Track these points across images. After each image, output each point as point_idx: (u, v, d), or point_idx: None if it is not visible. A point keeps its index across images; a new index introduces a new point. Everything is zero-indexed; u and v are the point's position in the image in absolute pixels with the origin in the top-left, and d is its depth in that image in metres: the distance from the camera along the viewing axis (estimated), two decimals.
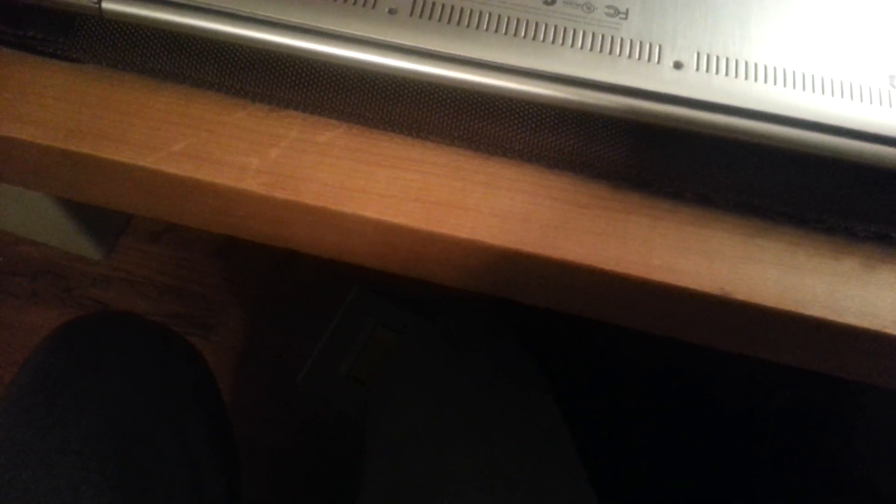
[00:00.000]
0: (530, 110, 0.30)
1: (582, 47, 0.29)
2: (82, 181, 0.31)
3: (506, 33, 0.29)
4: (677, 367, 0.78)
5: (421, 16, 0.29)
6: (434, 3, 0.29)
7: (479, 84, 0.29)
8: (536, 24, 0.29)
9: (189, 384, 0.48)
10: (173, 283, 0.96)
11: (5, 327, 0.93)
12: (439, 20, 0.29)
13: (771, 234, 0.30)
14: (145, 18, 0.29)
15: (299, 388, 0.62)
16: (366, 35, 0.28)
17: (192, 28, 0.29)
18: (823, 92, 0.28)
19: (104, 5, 0.29)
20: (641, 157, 0.30)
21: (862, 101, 0.28)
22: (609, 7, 0.30)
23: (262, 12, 0.29)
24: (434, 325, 0.52)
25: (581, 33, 0.29)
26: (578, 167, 0.30)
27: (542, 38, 0.29)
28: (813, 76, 0.29)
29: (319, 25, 0.29)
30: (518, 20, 0.29)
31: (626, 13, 0.30)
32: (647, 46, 0.29)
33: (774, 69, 0.29)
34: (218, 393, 0.52)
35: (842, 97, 0.28)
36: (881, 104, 0.28)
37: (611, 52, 0.29)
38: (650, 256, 0.29)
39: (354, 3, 0.29)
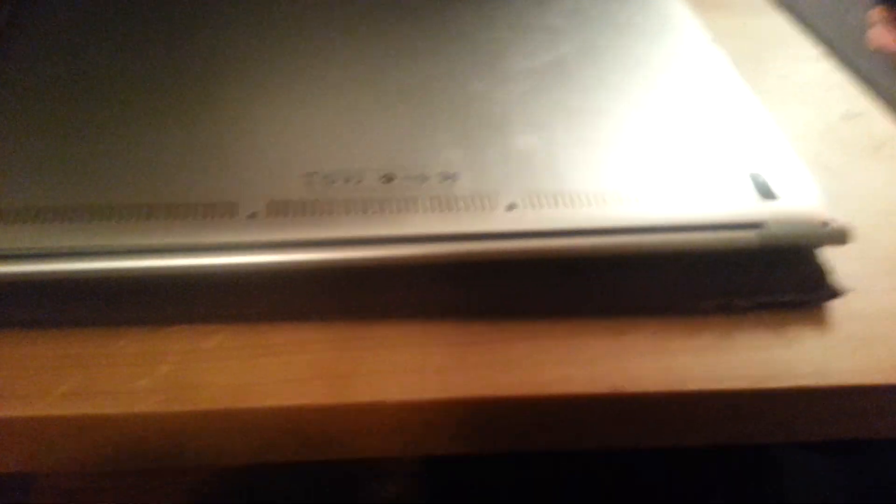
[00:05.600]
0: (396, 272, 0.32)
1: (426, 210, 0.32)
2: None
3: (357, 213, 0.32)
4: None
5: (278, 214, 0.32)
6: (287, 202, 0.32)
7: (343, 259, 0.31)
8: (381, 200, 0.33)
9: None
10: None
11: None
12: (295, 215, 0.32)
13: (637, 326, 0.33)
14: (12, 274, 0.30)
15: None
16: (231, 240, 0.31)
17: (61, 272, 0.30)
18: (633, 202, 0.33)
19: None
20: (505, 290, 0.33)
21: (669, 201, 0.33)
22: (440, 174, 0.34)
23: (130, 241, 0.30)
24: None
25: (421, 198, 0.33)
26: (452, 311, 0.32)
27: (389, 210, 0.32)
28: (619, 193, 0.34)
29: (187, 242, 0.30)
30: (364, 200, 0.32)
31: (455, 176, 0.34)
32: (481, 198, 0.33)
33: (588, 194, 0.34)
34: None
35: (649, 202, 0.33)
36: (682, 201, 0.34)
37: (451, 209, 0.32)
38: (540, 374, 0.31)
39: (214, 217, 0.31)
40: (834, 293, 0.34)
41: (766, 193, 0.34)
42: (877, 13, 0.50)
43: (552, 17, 0.45)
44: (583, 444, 0.33)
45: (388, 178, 0.33)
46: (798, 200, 0.34)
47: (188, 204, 0.32)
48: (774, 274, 0.34)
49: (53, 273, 0.30)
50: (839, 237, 0.33)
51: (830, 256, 0.35)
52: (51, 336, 0.31)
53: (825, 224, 0.34)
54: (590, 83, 0.40)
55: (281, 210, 0.32)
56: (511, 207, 0.33)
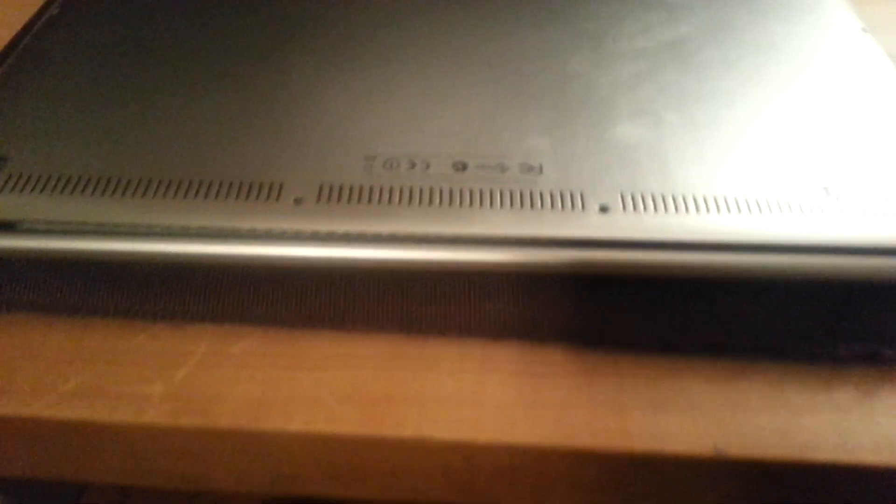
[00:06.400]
0: (461, 280, 0.27)
1: (503, 206, 0.27)
2: None
3: (420, 204, 0.27)
4: None
5: (329, 200, 0.27)
6: (341, 187, 0.27)
7: (401, 260, 0.26)
8: (451, 190, 0.27)
9: None
10: None
11: None
12: (348, 202, 0.27)
13: (750, 373, 0.26)
14: (33, 251, 0.27)
15: None
16: (273, 228, 0.26)
17: (81, 252, 0.27)
18: (761, 211, 0.27)
19: None
20: (589, 311, 0.27)
21: (802, 214, 0.26)
22: (522, 164, 0.28)
23: (156, 220, 0.26)
24: None
25: (499, 193, 0.27)
26: (524, 333, 0.27)
27: (458, 203, 0.27)
28: (745, 199, 0.27)
29: (223, 225, 0.26)
30: (431, 189, 0.27)
31: (541, 168, 0.28)
32: (569, 195, 0.27)
33: (703, 198, 0.27)
34: None
35: (781, 213, 0.26)
36: (823, 214, 0.26)
37: (533, 206, 0.27)
38: (625, 422, 0.25)
39: (258, 198, 0.27)
40: None
41: None
42: None
43: None
44: None
45: (461, 167, 0.28)
46: None
47: (229, 182, 0.27)
48: None
49: (73, 252, 0.27)
50: None
51: None
52: (65, 324, 0.27)
53: None
54: (711, 68, 0.33)
55: (332, 196, 0.27)
56: (604, 209, 0.27)
